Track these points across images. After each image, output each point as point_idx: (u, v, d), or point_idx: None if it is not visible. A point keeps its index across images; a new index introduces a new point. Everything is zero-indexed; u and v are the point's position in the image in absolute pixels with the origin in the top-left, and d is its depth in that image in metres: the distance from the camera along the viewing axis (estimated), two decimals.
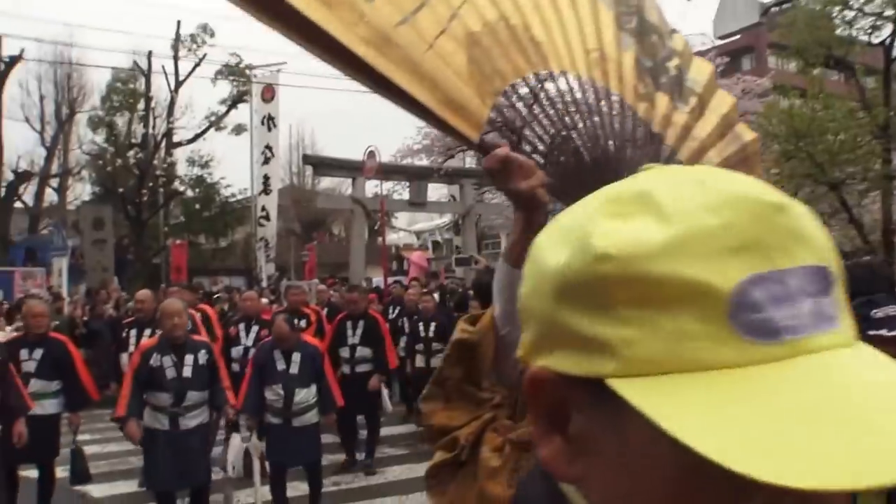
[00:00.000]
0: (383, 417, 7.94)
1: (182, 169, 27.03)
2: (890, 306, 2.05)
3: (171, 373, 5.04)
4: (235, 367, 6.76)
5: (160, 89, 25.81)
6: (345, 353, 7.27)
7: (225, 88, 26.86)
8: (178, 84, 25.45)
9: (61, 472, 5.81)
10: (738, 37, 32.67)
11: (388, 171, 24.88)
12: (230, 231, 30.00)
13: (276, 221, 24.95)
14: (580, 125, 1.76)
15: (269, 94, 24.46)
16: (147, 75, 25.24)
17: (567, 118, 1.75)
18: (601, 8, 1.88)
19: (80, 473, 5.86)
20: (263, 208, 24.13)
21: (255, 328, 7.26)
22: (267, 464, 5.55)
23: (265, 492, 5.56)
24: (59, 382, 5.61)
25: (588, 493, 0.49)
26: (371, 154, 23.73)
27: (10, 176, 22.28)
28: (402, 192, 27.15)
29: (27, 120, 25.78)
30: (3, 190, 21.76)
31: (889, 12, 13.97)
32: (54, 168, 27.15)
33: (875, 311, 2.02)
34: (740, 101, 8.89)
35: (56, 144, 26.77)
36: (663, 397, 0.41)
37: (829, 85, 16.56)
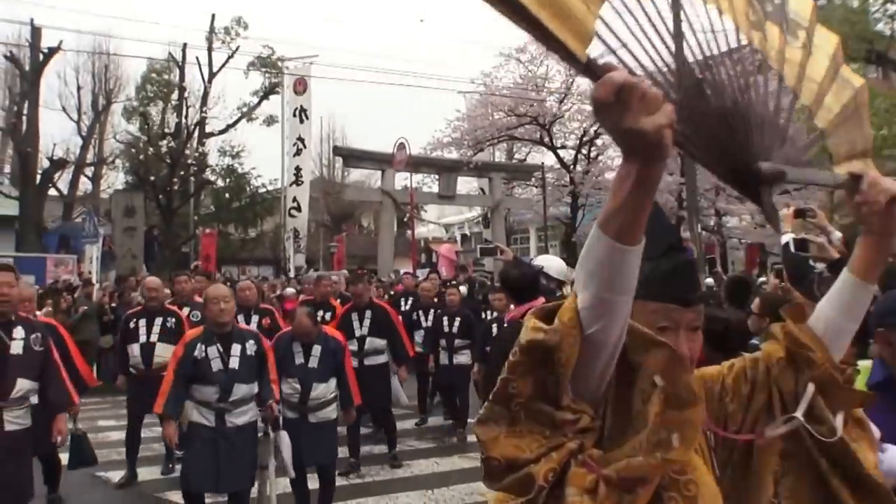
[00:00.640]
0: (400, 411, 7.74)
1: (213, 159, 27.40)
2: None
3: (216, 364, 4.62)
4: None
5: (194, 80, 26.15)
6: (353, 345, 6.89)
7: (257, 80, 27.13)
8: (212, 75, 25.73)
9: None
10: None
11: (417, 164, 24.83)
12: (259, 221, 30.24)
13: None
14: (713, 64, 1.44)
15: (301, 86, 24.56)
16: (181, 66, 25.49)
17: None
18: None
19: (82, 457, 5.59)
20: (294, 199, 24.23)
21: (254, 318, 7.11)
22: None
23: (281, 483, 5.41)
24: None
25: None
26: (401, 146, 23.69)
27: (45, 164, 22.60)
28: (431, 184, 27.11)
29: (64, 109, 26.16)
30: (39, 177, 22.08)
31: None
32: (89, 157, 27.54)
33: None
34: None
35: (92, 134, 27.15)
36: None
37: (868, 81, 16.17)
